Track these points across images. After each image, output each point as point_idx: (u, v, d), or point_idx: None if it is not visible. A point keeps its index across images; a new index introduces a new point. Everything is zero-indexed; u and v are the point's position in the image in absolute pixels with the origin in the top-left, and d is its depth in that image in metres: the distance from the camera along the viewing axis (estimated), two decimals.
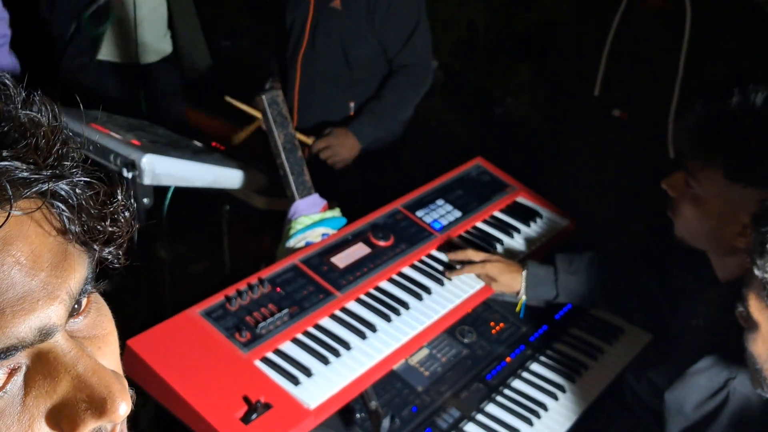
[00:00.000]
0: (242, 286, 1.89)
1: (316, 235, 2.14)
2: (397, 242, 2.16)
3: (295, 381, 1.72)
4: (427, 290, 2.06)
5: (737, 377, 1.48)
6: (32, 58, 2.83)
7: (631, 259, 2.14)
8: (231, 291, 1.87)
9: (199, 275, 3.42)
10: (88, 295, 0.64)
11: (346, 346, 1.84)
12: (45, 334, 0.58)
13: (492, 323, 2.28)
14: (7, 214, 0.56)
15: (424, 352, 2.12)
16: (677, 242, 1.72)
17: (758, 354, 1.29)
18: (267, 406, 1.63)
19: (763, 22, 2.43)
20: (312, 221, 2.17)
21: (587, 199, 2.64)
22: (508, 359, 2.19)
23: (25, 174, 0.57)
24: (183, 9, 3.66)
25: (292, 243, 2.14)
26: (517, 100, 5.33)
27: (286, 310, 1.84)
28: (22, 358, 0.59)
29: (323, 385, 1.74)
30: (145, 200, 2.32)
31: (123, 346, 1.56)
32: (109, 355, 0.66)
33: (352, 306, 1.97)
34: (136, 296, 2.88)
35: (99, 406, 0.59)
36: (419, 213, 2.29)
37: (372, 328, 1.90)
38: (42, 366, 0.59)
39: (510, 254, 2.28)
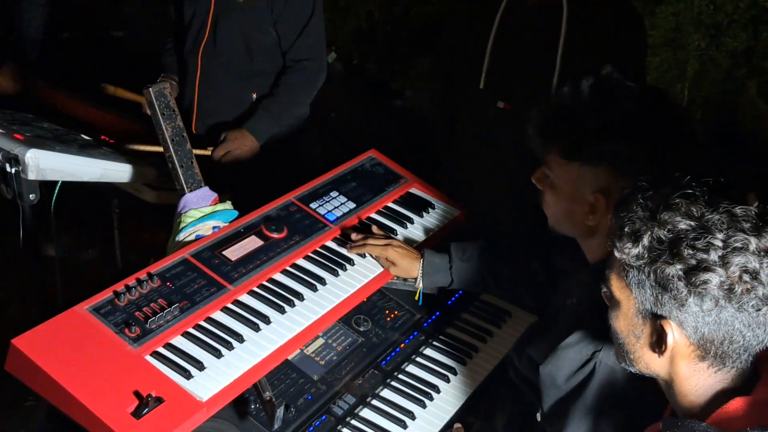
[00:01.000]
0: (131, 281, 1.87)
1: (206, 229, 2.13)
2: (291, 234, 2.17)
3: (187, 375, 1.72)
4: (322, 281, 2.09)
5: (602, 350, 1.57)
6: None
7: (519, 245, 2.23)
8: (119, 286, 1.84)
9: (91, 271, 3.35)
10: None
11: (239, 338, 1.84)
12: None
13: (387, 311, 2.32)
14: None
15: (320, 341, 2.15)
16: (552, 233, 1.81)
17: (620, 329, 1.37)
18: (158, 400, 1.62)
19: (634, 20, 2.56)
20: (202, 214, 2.16)
21: (479, 188, 2.72)
22: (402, 345, 2.24)
23: None
24: None
25: (182, 237, 2.12)
26: (416, 93, 5.41)
27: (176, 305, 1.83)
28: None
29: (216, 378, 1.74)
30: (31, 196, 2.26)
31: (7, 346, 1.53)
32: None
33: (245, 298, 1.97)
34: (24, 295, 2.80)
35: None
36: (313, 205, 2.31)
37: (266, 319, 1.92)
38: None
39: (405, 244, 2.33)
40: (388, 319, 2.30)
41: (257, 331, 1.88)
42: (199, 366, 1.74)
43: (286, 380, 2.02)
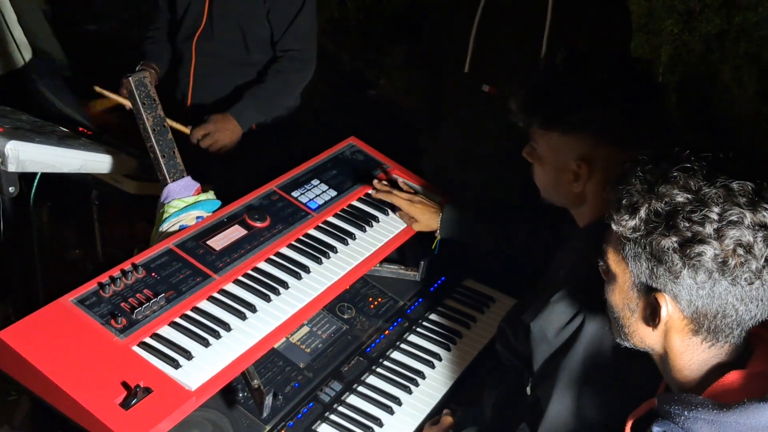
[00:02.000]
0: (116, 272, 1.86)
1: (190, 219, 2.12)
2: (274, 223, 2.17)
3: (175, 364, 1.71)
4: (306, 269, 2.09)
5: (590, 308, 1.60)
6: None
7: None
8: (104, 278, 1.84)
9: (71, 263, 3.32)
10: None
11: (226, 327, 1.85)
12: None
13: (370, 299, 2.34)
14: None
15: (305, 329, 2.16)
16: (544, 205, 1.85)
17: (616, 303, 1.39)
18: (147, 390, 1.62)
19: (619, 2, 2.58)
20: (185, 204, 2.15)
21: (464, 172, 2.73)
22: (386, 332, 2.25)
23: None
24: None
25: (165, 227, 2.11)
26: (391, 82, 5.40)
27: (162, 295, 1.83)
28: None
29: (204, 367, 1.74)
30: (11, 189, 2.24)
31: None
32: None
33: (231, 288, 1.97)
34: (4, 288, 2.77)
35: None
36: (295, 193, 2.31)
37: (251, 308, 1.92)
38: None
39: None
40: (372, 306, 2.32)
41: (244, 320, 1.88)
42: (187, 355, 1.74)
43: (273, 368, 2.03)
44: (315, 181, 2.38)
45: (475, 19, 2.57)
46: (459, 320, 2.35)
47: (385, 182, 2.43)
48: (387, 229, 2.35)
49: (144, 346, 1.74)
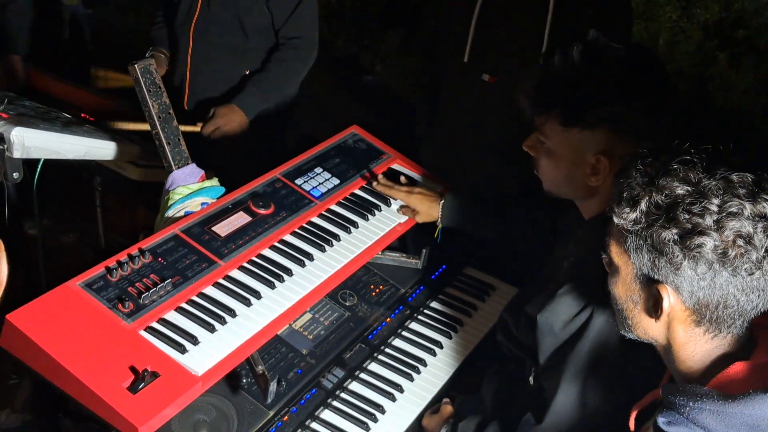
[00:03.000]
0: (122, 257, 1.87)
1: (195, 205, 2.13)
2: (278, 210, 2.19)
3: (181, 349, 1.73)
4: (309, 256, 2.11)
5: (598, 302, 1.61)
6: None
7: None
8: (111, 262, 1.85)
9: (72, 249, 3.32)
10: None
11: (231, 313, 1.86)
12: None
13: (372, 286, 2.36)
14: None
15: (308, 316, 2.18)
16: (547, 197, 1.85)
17: (619, 295, 1.40)
18: (154, 375, 1.64)
19: None
20: (190, 191, 2.16)
21: (463, 161, 2.75)
22: (388, 320, 2.27)
23: None
24: None
25: (171, 213, 2.12)
26: (386, 68, 5.41)
27: (168, 280, 1.84)
28: None
29: (210, 352, 1.76)
30: (15, 175, 2.24)
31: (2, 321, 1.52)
32: None
33: (236, 274, 1.98)
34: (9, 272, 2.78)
35: None
36: (298, 181, 2.32)
37: (256, 294, 1.93)
38: None
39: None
40: (374, 294, 2.33)
41: (249, 306, 1.90)
42: (194, 340, 1.76)
43: (276, 354, 2.04)
44: (318, 169, 2.40)
45: (476, 8, 2.58)
46: (460, 308, 2.37)
47: (384, 178, 2.42)
48: (389, 218, 2.36)
49: (151, 330, 1.76)
